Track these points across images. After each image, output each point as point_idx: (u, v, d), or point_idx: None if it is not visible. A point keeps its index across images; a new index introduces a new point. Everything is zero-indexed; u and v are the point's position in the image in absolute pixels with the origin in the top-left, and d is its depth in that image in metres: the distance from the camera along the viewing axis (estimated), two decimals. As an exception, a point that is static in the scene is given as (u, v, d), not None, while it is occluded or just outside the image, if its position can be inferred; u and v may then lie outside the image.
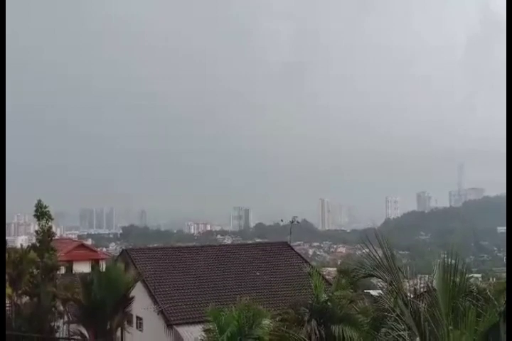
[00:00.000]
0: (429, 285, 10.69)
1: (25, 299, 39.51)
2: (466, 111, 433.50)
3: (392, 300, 10.45)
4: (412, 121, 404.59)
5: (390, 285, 10.17)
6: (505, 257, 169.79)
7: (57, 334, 37.49)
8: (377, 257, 10.06)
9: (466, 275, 10.30)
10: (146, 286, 33.65)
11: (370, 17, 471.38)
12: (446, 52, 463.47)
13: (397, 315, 9.76)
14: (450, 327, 9.13)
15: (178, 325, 31.11)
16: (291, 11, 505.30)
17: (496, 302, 11.07)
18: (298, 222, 76.47)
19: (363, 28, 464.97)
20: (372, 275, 10.58)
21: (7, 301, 40.83)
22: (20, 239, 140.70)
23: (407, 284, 10.57)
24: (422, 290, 10.50)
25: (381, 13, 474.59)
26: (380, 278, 10.24)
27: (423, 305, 9.68)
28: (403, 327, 9.48)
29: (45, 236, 38.24)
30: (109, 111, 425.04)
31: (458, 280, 10.09)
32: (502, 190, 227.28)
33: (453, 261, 10.11)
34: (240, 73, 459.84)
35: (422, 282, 10.75)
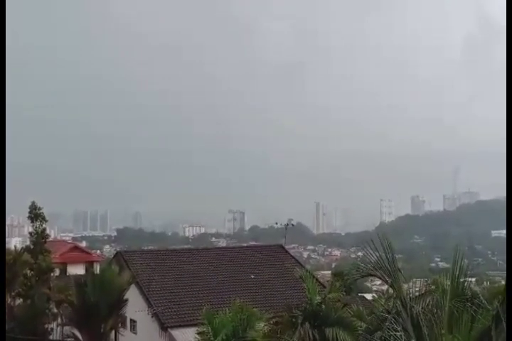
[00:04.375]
0: (424, 288, 10.74)
1: (19, 301, 39.38)
2: (465, 113, 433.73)
3: (392, 302, 10.48)
4: (410, 121, 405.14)
5: (391, 286, 10.21)
6: (499, 261, 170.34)
7: (50, 337, 37.39)
8: (379, 258, 10.10)
9: (460, 280, 10.33)
10: (140, 289, 33.58)
11: (370, 17, 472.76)
12: (445, 51, 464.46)
13: (394, 318, 9.79)
14: (443, 331, 9.18)
15: (172, 327, 31.05)
16: (291, 10, 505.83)
17: (489, 307, 11.09)
18: (293, 225, 76.65)
19: (362, 28, 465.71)
20: (372, 275, 10.61)
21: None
22: (14, 240, 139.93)
23: (404, 287, 10.60)
24: (416, 293, 10.54)
25: (381, 12, 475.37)
26: (381, 278, 10.28)
27: (419, 308, 9.72)
28: (399, 329, 9.50)
29: (39, 238, 38.21)
30: (107, 111, 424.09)
31: (452, 284, 10.13)
32: (496, 193, 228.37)
33: (447, 265, 10.16)
34: (240, 73, 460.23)
35: (417, 286, 10.79)
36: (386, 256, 9.99)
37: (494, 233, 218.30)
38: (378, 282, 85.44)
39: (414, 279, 11.59)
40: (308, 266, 59.40)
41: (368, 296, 39.51)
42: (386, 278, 9.99)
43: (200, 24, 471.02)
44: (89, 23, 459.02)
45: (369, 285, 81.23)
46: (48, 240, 40.36)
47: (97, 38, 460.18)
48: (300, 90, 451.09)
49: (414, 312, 9.40)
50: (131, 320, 34.06)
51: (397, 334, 9.38)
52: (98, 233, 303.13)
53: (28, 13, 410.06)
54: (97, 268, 50.74)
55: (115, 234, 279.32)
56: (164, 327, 31.12)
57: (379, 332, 12.62)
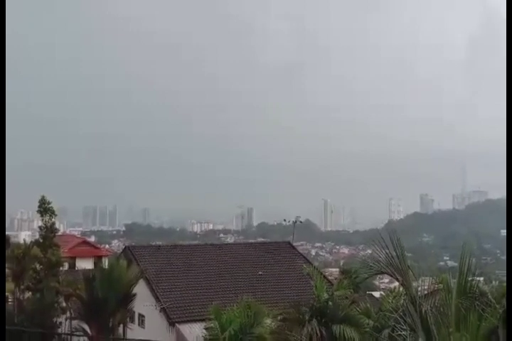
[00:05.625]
0: (432, 287, 10.72)
1: (28, 294, 39.67)
2: (469, 112, 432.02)
3: (400, 300, 10.47)
4: (416, 122, 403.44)
5: (402, 284, 10.21)
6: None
7: (59, 330, 37.64)
8: (389, 256, 10.09)
9: (468, 278, 10.33)
10: (148, 284, 33.73)
11: (370, 16, 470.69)
12: (447, 51, 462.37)
13: (401, 316, 9.81)
14: (451, 329, 9.17)
15: (179, 322, 31.17)
16: (290, 10, 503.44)
17: (497, 306, 11.09)
18: (301, 222, 76.47)
19: (362, 28, 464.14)
20: (384, 273, 10.60)
21: (10, 296, 41.03)
22: (23, 234, 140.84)
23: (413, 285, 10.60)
24: (425, 292, 10.53)
25: (381, 12, 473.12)
26: (392, 275, 10.28)
27: (428, 306, 9.73)
28: (406, 327, 9.52)
29: (49, 232, 38.41)
30: (110, 111, 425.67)
31: (460, 282, 10.12)
32: (505, 193, 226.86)
33: (455, 264, 10.14)
34: (239, 73, 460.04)
35: (426, 284, 10.78)
36: (396, 253, 9.99)
37: (503, 232, 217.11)
38: (386, 280, 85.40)
39: (423, 277, 11.57)
40: (316, 263, 59.45)
41: (376, 294, 39.47)
42: (397, 275, 9.99)
43: (200, 23, 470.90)
44: (88, 21, 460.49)
45: (377, 283, 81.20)
46: (57, 234, 40.60)
47: (97, 38, 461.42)
48: (301, 90, 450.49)
49: (424, 310, 9.41)
50: (139, 314, 34.23)
51: (406, 331, 9.39)
52: (107, 228, 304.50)
53: (28, 13, 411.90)
54: (105, 263, 51.02)
55: (124, 229, 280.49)
56: (172, 322, 31.25)
57: (386, 330, 12.65)
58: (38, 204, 38.71)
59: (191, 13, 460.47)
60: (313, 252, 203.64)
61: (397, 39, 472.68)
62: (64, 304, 37.26)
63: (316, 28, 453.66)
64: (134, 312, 32.38)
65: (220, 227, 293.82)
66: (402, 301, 11.43)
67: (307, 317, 20.68)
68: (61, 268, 39.55)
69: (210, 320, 21.53)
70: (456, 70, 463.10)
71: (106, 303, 27.21)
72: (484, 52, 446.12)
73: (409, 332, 9.47)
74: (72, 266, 51.85)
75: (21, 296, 40.06)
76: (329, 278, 38.67)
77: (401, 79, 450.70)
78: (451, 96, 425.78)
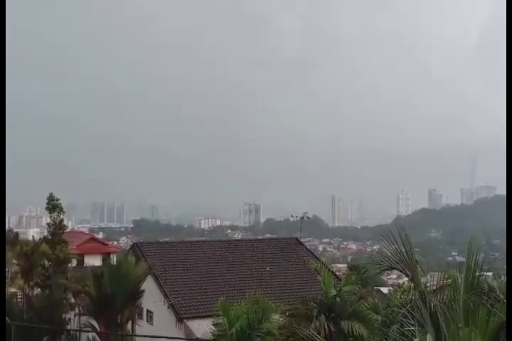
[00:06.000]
0: (441, 282, 10.70)
1: (37, 291, 39.87)
2: (479, 109, 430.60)
3: (409, 295, 10.45)
4: (425, 119, 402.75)
5: (411, 280, 10.21)
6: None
7: (68, 326, 37.82)
8: (398, 252, 10.08)
9: (476, 274, 10.29)
10: (156, 280, 33.81)
11: (382, 13, 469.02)
12: (458, 49, 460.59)
13: (409, 311, 9.79)
14: (460, 325, 9.14)
15: (188, 318, 31.23)
16: (290, 9, 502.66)
17: (505, 301, 11.04)
18: (308, 218, 76.34)
19: (375, 26, 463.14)
20: (394, 268, 10.60)
21: (19, 293, 41.26)
22: (32, 231, 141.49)
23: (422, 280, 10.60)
24: (433, 287, 10.51)
25: (393, 9, 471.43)
26: (402, 271, 10.28)
27: (436, 301, 9.71)
28: (414, 322, 9.50)
29: (57, 229, 38.62)
30: (120, 111, 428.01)
31: (467, 277, 10.09)
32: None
33: (464, 259, 10.10)
34: (239, 72, 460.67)
35: (434, 279, 10.76)
36: (405, 249, 9.98)
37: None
38: (394, 276, 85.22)
39: (432, 273, 11.55)
40: (323, 259, 59.40)
41: (384, 290, 39.41)
42: (407, 271, 9.99)
43: (212, 22, 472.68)
44: (88, 22, 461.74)
45: (385, 278, 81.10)
46: (65, 231, 40.76)
47: (98, 38, 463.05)
48: (313, 88, 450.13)
49: (432, 305, 9.39)
50: (147, 310, 34.32)
51: (415, 326, 9.38)
52: (115, 224, 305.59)
53: (32, 12, 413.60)
54: (113, 260, 51.14)
55: (131, 225, 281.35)
56: (180, 318, 31.31)
57: (395, 326, 12.61)
58: (46, 201, 38.92)
59: (193, 12, 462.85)
60: (320, 248, 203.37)
61: (409, 37, 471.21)
62: (72, 300, 37.44)
63: (329, 26, 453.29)
64: (142, 308, 32.47)
65: (228, 223, 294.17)
66: (410, 296, 11.39)
67: (315, 313, 20.65)
68: (69, 265, 39.76)
69: (218, 315, 21.54)
70: (468, 68, 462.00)
71: (114, 300, 27.32)
72: (494, 51, 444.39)
73: (417, 327, 9.44)
74: (81, 262, 52.05)
75: (30, 292, 40.30)
76: (337, 273, 38.64)
77: (413, 77, 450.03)
78: (463, 93, 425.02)
